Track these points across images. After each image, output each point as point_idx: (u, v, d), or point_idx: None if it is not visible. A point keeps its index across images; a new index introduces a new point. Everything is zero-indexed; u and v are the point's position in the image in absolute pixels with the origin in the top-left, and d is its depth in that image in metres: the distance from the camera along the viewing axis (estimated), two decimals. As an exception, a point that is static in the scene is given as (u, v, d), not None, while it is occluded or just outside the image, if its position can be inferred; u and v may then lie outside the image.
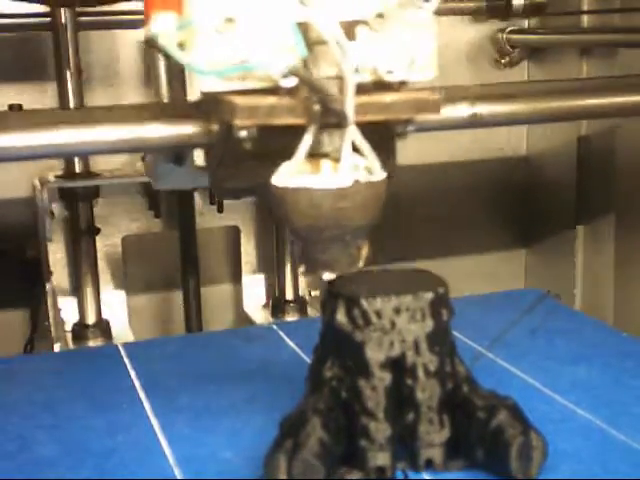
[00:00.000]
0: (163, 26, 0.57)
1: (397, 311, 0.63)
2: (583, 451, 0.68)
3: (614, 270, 1.47)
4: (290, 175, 0.58)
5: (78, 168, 1.31)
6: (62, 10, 1.23)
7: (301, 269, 0.62)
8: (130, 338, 1.35)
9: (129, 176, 1.34)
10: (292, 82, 0.58)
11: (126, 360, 0.89)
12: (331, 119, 0.58)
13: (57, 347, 1.23)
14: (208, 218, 1.43)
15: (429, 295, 0.64)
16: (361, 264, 0.61)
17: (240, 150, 0.59)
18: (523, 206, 1.65)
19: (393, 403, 0.62)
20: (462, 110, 0.83)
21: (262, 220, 1.48)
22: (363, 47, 0.59)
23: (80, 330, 1.34)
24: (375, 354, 0.62)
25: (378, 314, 0.63)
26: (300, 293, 1.47)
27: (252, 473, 0.63)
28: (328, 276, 0.61)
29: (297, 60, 0.57)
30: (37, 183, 1.28)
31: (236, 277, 1.51)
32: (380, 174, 0.59)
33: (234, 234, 1.48)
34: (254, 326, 1.37)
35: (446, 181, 1.57)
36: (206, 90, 0.59)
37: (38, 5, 1.26)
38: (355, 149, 0.58)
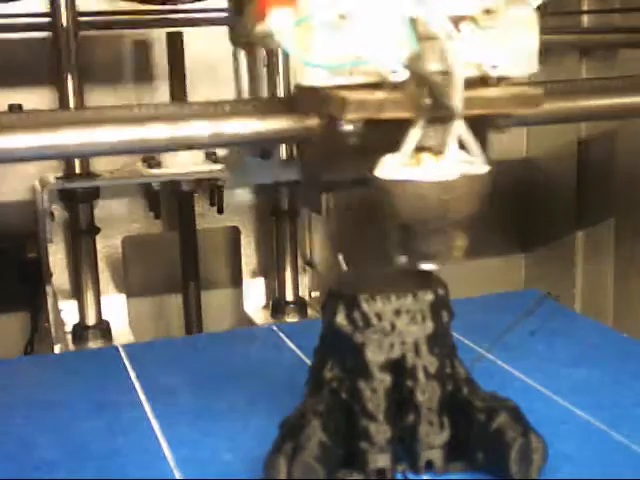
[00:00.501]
0: (279, 22, 0.58)
1: (397, 313, 0.63)
2: (583, 453, 0.68)
3: (614, 273, 1.47)
4: (394, 168, 0.59)
5: (78, 169, 1.31)
6: (62, 10, 1.24)
7: (402, 260, 0.62)
8: (130, 339, 1.35)
9: (129, 177, 1.34)
10: (401, 77, 0.59)
11: (126, 362, 0.89)
12: (440, 113, 0.58)
13: (57, 348, 1.23)
14: (208, 219, 1.43)
15: (429, 297, 0.64)
16: (460, 255, 0.62)
17: (343, 144, 0.60)
18: (523, 209, 1.65)
19: (393, 405, 0.62)
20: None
21: (262, 221, 1.48)
22: (470, 42, 0.61)
23: (80, 331, 1.34)
24: (375, 356, 0.62)
25: (378, 316, 0.63)
26: (300, 294, 1.47)
27: (252, 475, 0.63)
28: (428, 266, 0.62)
29: (410, 55, 0.58)
30: (37, 184, 1.28)
31: (236, 278, 1.51)
32: (483, 167, 0.60)
33: (234, 235, 1.48)
34: (254, 327, 1.37)
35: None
36: (314, 85, 0.60)
37: (38, 5, 1.27)
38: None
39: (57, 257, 1.35)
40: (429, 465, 0.63)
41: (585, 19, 1.48)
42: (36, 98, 1.33)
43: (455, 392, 0.64)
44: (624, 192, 1.42)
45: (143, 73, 1.41)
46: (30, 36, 1.33)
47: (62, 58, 1.25)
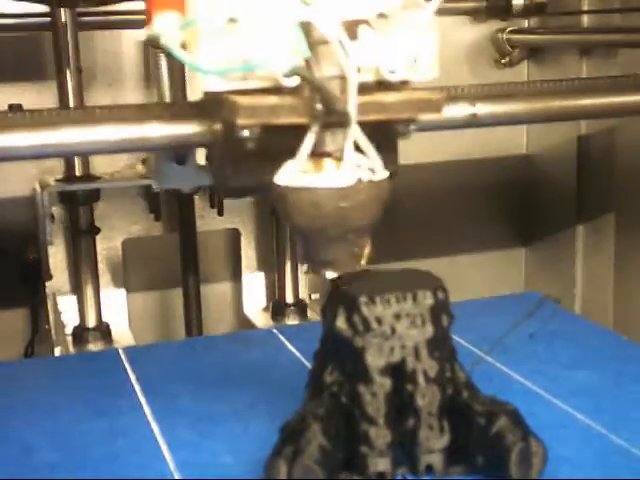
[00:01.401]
0: (166, 26, 0.57)
1: (397, 317, 0.63)
2: (583, 456, 0.68)
3: (614, 268, 1.47)
4: (293, 174, 0.59)
5: (78, 171, 1.31)
6: (62, 10, 1.24)
7: (304, 268, 0.62)
8: (130, 341, 1.35)
9: (129, 179, 1.34)
10: (294, 82, 0.58)
11: (126, 364, 0.89)
12: (334, 118, 0.58)
13: (57, 351, 1.23)
14: (208, 221, 1.43)
15: (429, 301, 0.64)
16: (363, 263, 0.61)
17: (243, 149, 0.60)
18: (523, 205, 1.65)
19: (393, 409, 0.62)
20: (462, 110, 0.83)
21: (262, 223, 1.48)
22: (365, 47, 0.60)
23: (80, 333, 1.34)
24: (375, 360, 0.62)
25: (378, 320, 0.63)
26: (300, 296, 1.47)
27: (253, 478, 0.63)
28: (330, 275, 0.61)
29: (300, 60, 0.57)
30: (37, 187, 1.28)
31: (236, 280, 1.51)
32: (382, 173, 0.59)
33: (234, 237, 1.48)
34: (254, 330, 1.36)
35: (446, 180, 1.57)
36: (209, 90, 0.59)
37: (38, 5, 1.26)
38: (358, 149, 0.59)
39: (57, 259, 1.35)
40: (429, 469, 0.63)
41: (585, 19, 1.48)
42: (36, 98, 1.33)
43: (455, 396, 0.64)
44: (624, 186, 1.43)
45: (143, 73, 1.41)
46: (30, 35, 1.33)
47: (62, 58, 1.25)
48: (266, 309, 1.48)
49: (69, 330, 1.35)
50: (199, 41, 0.57)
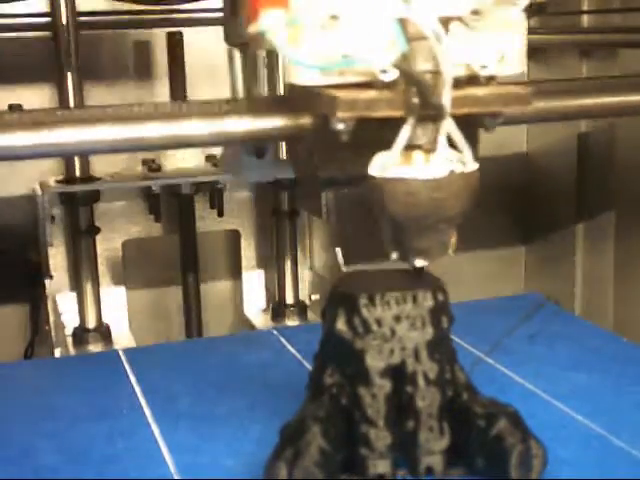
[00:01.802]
0: (272, 22, 0.58)
1: (397, 319, 0.63)
2: (582, 458, 0.68)
3: (614, 266, 1.47)
4: (386, 166, 0.60)
5: (79, 173, 1.31)
6: (62, 10, 1.24)
7: (394, 256, 0.63)
8: (130, 342, 1.35)
9: (129, 180, 1.34)
10: (391, 76, 0.59)
11: (127, 366, 0.89)
12: (428, 112, 0.59)
13: (58, 352, 1.23)
14: (208, 222, 1.43)
15: (429, 303, 0.64)
16: (451, 251, 0.63)
17: (335, 142, 0.61)
18: (523, 203, 1.65)
19: (393, 411, 0.62)
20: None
21: (262, 224, 1.48)
22: (458, 42, 0.61)
23: (81, 334, 1.34)
24: (375, 362, 0.62)
25: (378, 322, 0.63)
26: (300, 297, 1.47)
27: (253, 480, 0.63)
28: (421, 263, 0.63)
29: (398, 55, 0.59)
30: (38, 188, 1.28)
31: (236, 281, 1.51)
32: (473, 165, 0.61)
33: (234, 238, 1.48)
34: (254, 331, 1.37)
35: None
36: (306, 84, 0.61)
37: (38, 5, 1.27)
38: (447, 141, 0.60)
39: (57, 260, 1.35)
40: (429, 471, 0.63)
41: (585, 19, 1.48)
42: (36, 98, 1.33)
43: (455, 398, 0.64)
44: (624, 184, 1.43)
45: (143, 73, 1.41)
46: (30, 36, 1.33)
47: (62, 58, 1.25)
48: (266, 310, 1.49)
49: (69, 331, 1.35)
50: (302, 37, 0.59)
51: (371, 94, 0.60)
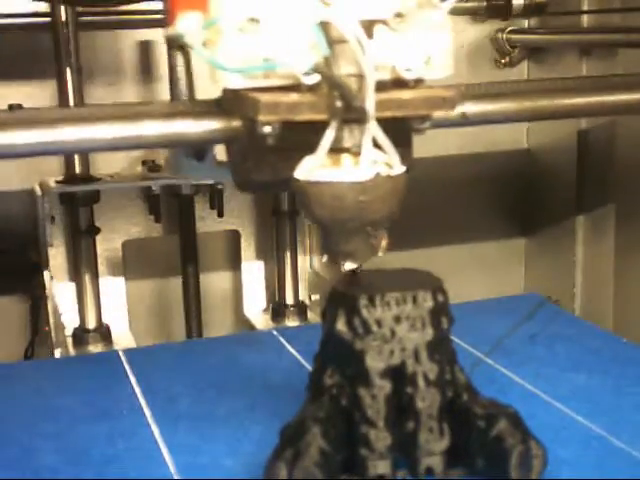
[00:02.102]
0: (189, 25, 0.59)
1: (397, 319, 0.63)
2: (582, 458, 0.68)
3: (614, 261, 1.47)
4: (312, 169, 0.60)
5: (79, 173, 1.31)
6: (62, 9, 1.24)
7: (324, 259, 0.64)
8: (131, 342, 1.35)
9: (129, 180, 1.34)
10: (314, 79, 0.59)
11: (127, 366, 0.89)
12: (352, 115, 0.59)
13: (58, 352, 1.23)
14: (208, 222, 1.43)
15: (429, 304, 0.64)
16: (380, 254, 0.63)
17: (263, 145, 0.61)
18: (524, 198, 1.65)
19: (393, 411, 0.62)
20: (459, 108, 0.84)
21: (262, 224, 1.48)
22: (382, 45, 0.61)
23: (81, 335, 1.34)
24: (375, 363, 0.62)
25: (378, 323, 0.63)
26: (300, 297, 1.47)
27: (253, 481, 0.63)
28: (349, 266, 0.63)
29: (319, 58, 0.59)
30: (37, 188, 1.28)
31: (236, 281, 1.51)
32: (399, 168, 0.61)
33: (234, 238, 1.48)
34: (254, 332, 1.37)
35: (447, 173, 1.57)
36: (230, 87, 0.61)
37: (39, 4, 1.27)
38: (375, 144, 0.60)
39: (57, 260, 1.35)
40: (429, 471, 0.63)
41: (585, 19, 1.48)
42: (36, 98, 1.33)
43: (455, 398, 0.64)
44: (624, 179, 1.43)
45: (143, 73, 1.41)
46: (30, 35, 1.33)
47: (62, 58, 1.25)
48: (266, 310, 1.49)
49: (69, 331, 1.35)
50: (221, 40, 0.59)
51: (294, 97, 0.60)
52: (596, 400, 0.78)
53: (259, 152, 0.66)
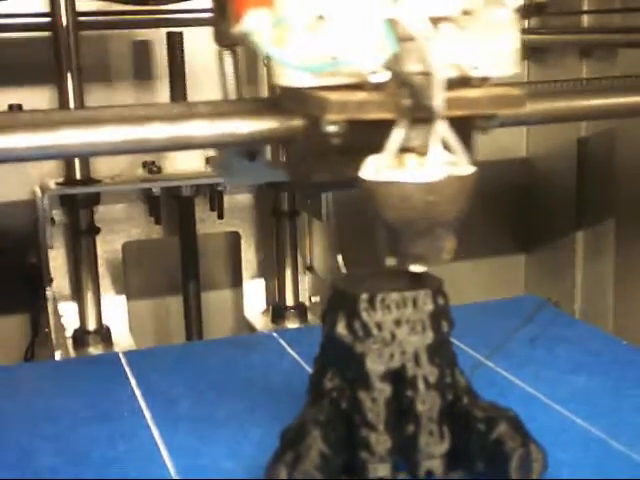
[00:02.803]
0: (257, 23, 0.57)
1: (397, 323, 0.63)
2: (582, 461, 0.68)
3: (614, 272, 1.47)
4: (379, 169, 0.59)
5: (79, 175, 1.31)
6: (62, 10, 1.24)
7: (391, 262, 0.62)
8: (131, 344, 1.35)
9: (130, 182, 1.34)
10: (382, 78, 0.58)
11: (127, 368, 0.89)
12: (420, 114, 0.58)
13: (58, 354, 1.23)
14: (208, 224, 1.43)
15: (429, 307, 0.64)
16: (449, 257, 0.62)
17: (326, 145, 0.60)
18: (523, 208, 1.65)
19: (393, 415, 0.62)
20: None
21: (262, 225, 1.48)
22: (449, 43, 0.60)
23: (81, 336, 1.34)
24: (375, 366, 0.62)
25: (378, 326, 0.63)
26: (300, 299, 1.47)
27: (253, 484, 0.63)
28: (419, 269, 0.62)
29: (388, 56, 0.58)
30: (38, 190, 1.28)
31: (236, 283, 1.51)
32: (468, 168, 0.60)
33: (234, 240, 1.49)
34: (255, 334, 1.37)
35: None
36: (294, 86, 0.60)
37: (38, 4, 1.27)
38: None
39: (58, 262, 1.36)
40: (429, 474, 0.63)
41: (585, 19, 1.48)
42: (36, 98, 1.33)
43: (455, 402, 0.64)
44: (624, 190, 1.43)
45: (143, 73, 1.41)
46: (30, 36, 1.33)
47: (62, 58, 1.26)
48: (266, 312, 1.49)
49: (69, 333, 1.35)
50: (288, 38, 0.58)
51: (362, 96, 0.58)
52: (596, 402, 0.78)
53: (320, 152, 0.64)
